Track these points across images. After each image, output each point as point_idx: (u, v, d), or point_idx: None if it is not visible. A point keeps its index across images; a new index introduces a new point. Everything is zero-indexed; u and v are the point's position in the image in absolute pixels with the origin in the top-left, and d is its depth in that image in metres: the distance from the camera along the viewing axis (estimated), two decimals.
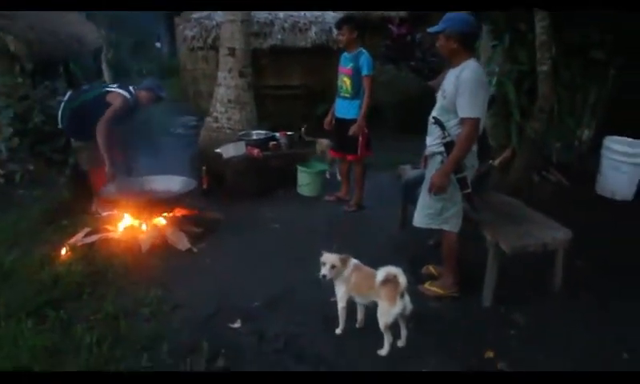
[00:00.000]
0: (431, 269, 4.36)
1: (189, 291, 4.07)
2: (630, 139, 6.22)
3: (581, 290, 4.10)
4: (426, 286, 4.07)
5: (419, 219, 3.93)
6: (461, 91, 3.48)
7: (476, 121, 3.48)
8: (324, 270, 3.35)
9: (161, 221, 5.09)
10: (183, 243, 4.79)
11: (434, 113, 3.74)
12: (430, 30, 3.75)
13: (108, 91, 5.29)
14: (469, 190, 3.72)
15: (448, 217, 3.81)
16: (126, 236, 4.87)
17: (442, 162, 3.67)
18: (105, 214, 5.13)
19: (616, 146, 6.15)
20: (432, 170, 3.76)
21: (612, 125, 6.50)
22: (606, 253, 4.74)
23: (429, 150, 3.82)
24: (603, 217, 5.66)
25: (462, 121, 3.51)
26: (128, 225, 5.03)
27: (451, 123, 3.59)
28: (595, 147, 6.54)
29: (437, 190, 3.63)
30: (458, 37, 3.55)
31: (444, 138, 3.62)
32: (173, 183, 5.34)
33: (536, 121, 5.67)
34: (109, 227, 5.00)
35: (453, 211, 3.80)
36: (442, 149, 3.64)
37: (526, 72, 6.05)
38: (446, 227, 3.85)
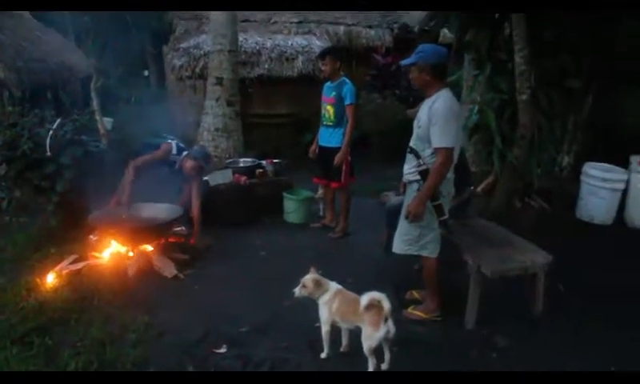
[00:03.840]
0: (415, 294, 4.42)
1: (175, 317, 4.09)
2: (607, 165, 6.38)
3: (561, 313, 4.18)
4: (410, 310, 4.12)
5: (398, 245, 4.01)
6: (434, 121, 3.59)
7: (449, 150, 3.59)
8: (296, 289, 3.49)
9: (148, 247, 5.12)
10: (170, 270, 4.81)
11: (411, 142, 3.85)
12: (403, 62, 3.91)
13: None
14: (445, 217, 3.81)
15: (426, 243, 3.89)
16: (113, 263, 4.89)
17: (418, 189, 3.76)
18: (94, 239, 5.17)
19: (594, 172, 6.30)
20: (409, 197, 3.86)
21: (591, 150, 6.66)
22: (585, 276, 4.84)
23: (406, 178, 3.93)
24: (583, 241, 5.77)
25: (436, 150, 3.61)
26: (114, 251, 5.06)
27: (426, 152, 3.70)
28: (575, 173, 6.68)
29: (413, 217, 3.73)
30: (430, 68, 3.68)
31: (419, 166, 3.72)
32: (160, 211, 5.38)
33: (517, 148, 5.79)
34: (95, 254, 5.02)
35: (430, 237, 3.88)
36: (418, 177, 3.74)
37: (506, 100, 6.18)
38: (424, 253, 3.93)
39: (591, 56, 6.37)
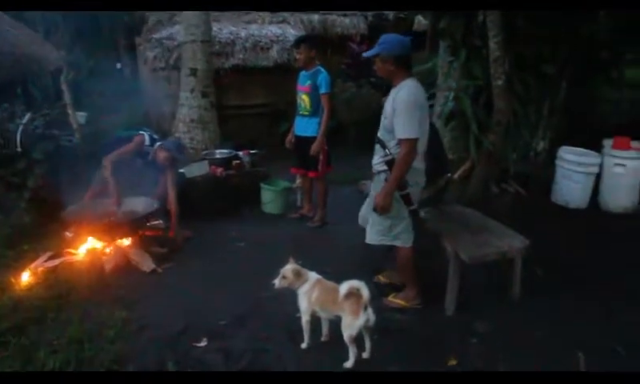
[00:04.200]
0: (381, 278, 4.46)
1: (154, 312, 4.05)
2: (582, 149, 6.45)
3: (538, 296, 4.24)
4: (390, 298, 4.14)
5: (371, 237, 4.02)
6: (397, 112, 3.60)
7: (412, 141, 3.59)
8: (276, 280, 3.48)
9: (125, 242, 5.06)
10: (147, 264, 4.76)
11: (378, 133, 3.86)
12: (365, 54, 3.91)
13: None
14: (414, 207, 3.83)
15: (398, 233, 3.91)
16: (89, 259, 4.82)
17: (385, 179, 3.77)
18: (70, 235, 5.09)
19: (569, 157, 6.37)
20: (377, 188, 3.88)
21: (566, 136, 6.74)
22: (561, 259, 4.91)
23: (374, 169, 3.93)
24: (558, 225, 5.84)
25: (399, 141, 3.62)
26: (91, 247, 4.98)
27: (392, 143, 3.70)
28: (550, 158, 6.76)
29: (380, 209, 3.73)
30: (394, 59, 3.68)
31: (386, 156, 3.73)
32: (136, 204, 5.32)
33: (493, 134, 5.84)
34: (71, 250, 4.94)
35: (402, 227, 3.90)
36: (385, 167, 3.75)
37: (482, 87, 6.23)
38: (397, 243, 3.95)
39: (565, 43, 6.43)
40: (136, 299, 4.22)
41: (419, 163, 3.79)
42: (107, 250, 4.95)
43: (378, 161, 3.86)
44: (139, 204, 5.32)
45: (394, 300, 4.12)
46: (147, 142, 5.45)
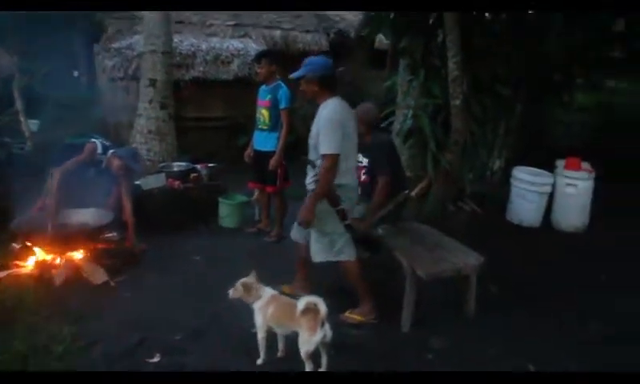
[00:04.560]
0: (285, 289, 4.43)
1: (105, 326, 3.93)
2: (536, 169, 6.61)
3: (493, 312, 4.29)
4: (346, 314, 4.12)
5: (315, 255, 4.06)
6: (320, 130, 3.75)
7: (334, 156, 3.70)
8: (230, 290, 3.51)
9: (76, 254, 4.91)
10: (99, 276, 4.62)
11: (309, 154, 3.98)
12: (292, 76, 4.05)
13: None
14: (348, 222, 3.91)
15: (340, 248, 3.97)
16: (38, 271, 4.66)
17: None
18: (17, 247, 4.92)
19: (523, 176, 6.52)
20: None
21: (521, 156, 6.90)
22: (514, 276, 5.01)
23: (307, 188, 4.01)
24: (513, 243, 5.95)
25: (322, 157, 3.72)
26: (40, 259, 4.82)
27: (319, 162, 3.79)
28: (506, 177, 6.89)
29: (302, 223, 3.83)
30: (318, 80, 3.84)
31: (315, 175, 3.84)
32: (89, 216, 5.18)
33: (450, 152, 5.92)
34: (19, 263, 4.77)
35: (342, 242, 3.97)
36: (314, 186, 3.84)
37: (440, 106, 6.33)
38: (342, 258, 4.00)
39: (520, 65, 6.60)
40: (87, 313, 4.09)
41: (350, 180, 3.92)
42: (57, 263, 4.79)
43: (309, 180, 3.97)
44: (91, 215, 5.18)
45: (351, 316, 4.11)
46: (99, 150, 5.32)
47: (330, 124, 3.71)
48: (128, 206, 5.26)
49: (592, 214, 6.51)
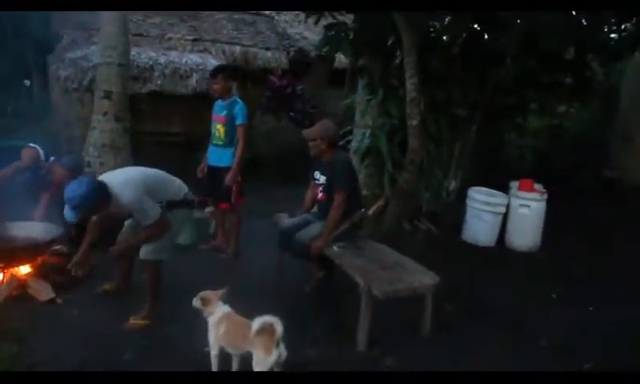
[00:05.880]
0: (106, 287, 4.57)
1: (50, 346, 3.76)
2: (490, 190, 6.72)
3: (447, 331, 4.31)
4: (131, 321, 4.10)
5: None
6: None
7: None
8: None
9: (21, 270, 4.71)
10: (46, 293, 4.44)
11: None
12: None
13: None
14: None
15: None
16: None
17: None
18: None
19: (478, 196, 6.61)
20: None
21: (476, 176, 7.02)
22: (469, 295, 5.05)
23: None
24: (468, 262, 6.01)
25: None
26: None
27: None
28: (461, 197, 6.99)
29: None
30: None
31: None
32: (36, 230, 4.99)
33: (407, 172, 5.98)
34: None
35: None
36: None
37: (397, 125, 6.40)
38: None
39: (475, 88, 6.74)
40: (30, 333, 3.92)
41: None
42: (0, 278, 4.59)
43: None
44: (38, 229, 4.99)
45: (135, 322, 4.10)
46: (42, 156, 5.13)
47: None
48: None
49: (544, 234, 6.64)
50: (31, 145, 5.21)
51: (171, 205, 4.10)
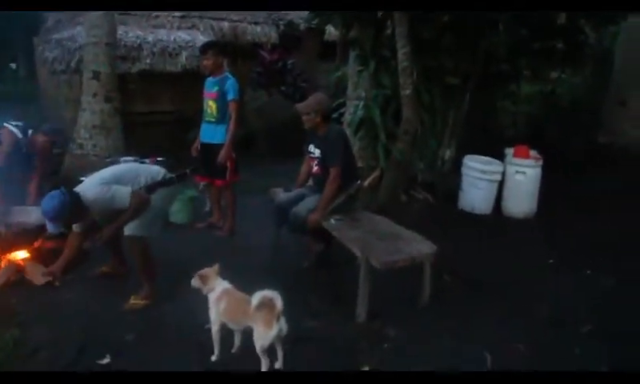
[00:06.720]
0: (103, 268, 4.57)
1: (51, 330, 3.75)
2: (486, 158, 6.72)
3: (447, 300, 4.33)
4: (131, 302, 4.11)
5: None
6: None
7: None
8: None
9: (17, 255, 4.69)
10: (43, 277, 4.42)
11: None
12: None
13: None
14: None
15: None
16: None
17: None
18: None
19: (473, 164, 6.61)
20: None
21: (471, 144, 7.00)
22: (468, 263, 5.05)
23: None
24: (465, 230, 6.03)
25: None
26: None
27: None
28: (456, 166, 6.98)
29: None
30: None
31: None
32: (30, 215, 4.95)
33: (401, 142, 5.94)
34: None
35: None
36: None
37: (390, 96, 6.35)
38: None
39: (467, 57, 6.68)
40: (30, 317, 3.91)
41: None
42: None
43: None
44: (32, 214, 4.95)
45: (135, 302, 4.11)
46: (19, 134, 5.05)
47: None
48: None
49: (539, 201, 6.65)
50: (5, 125, 5.11)
51: (150, 187, 4.06)
